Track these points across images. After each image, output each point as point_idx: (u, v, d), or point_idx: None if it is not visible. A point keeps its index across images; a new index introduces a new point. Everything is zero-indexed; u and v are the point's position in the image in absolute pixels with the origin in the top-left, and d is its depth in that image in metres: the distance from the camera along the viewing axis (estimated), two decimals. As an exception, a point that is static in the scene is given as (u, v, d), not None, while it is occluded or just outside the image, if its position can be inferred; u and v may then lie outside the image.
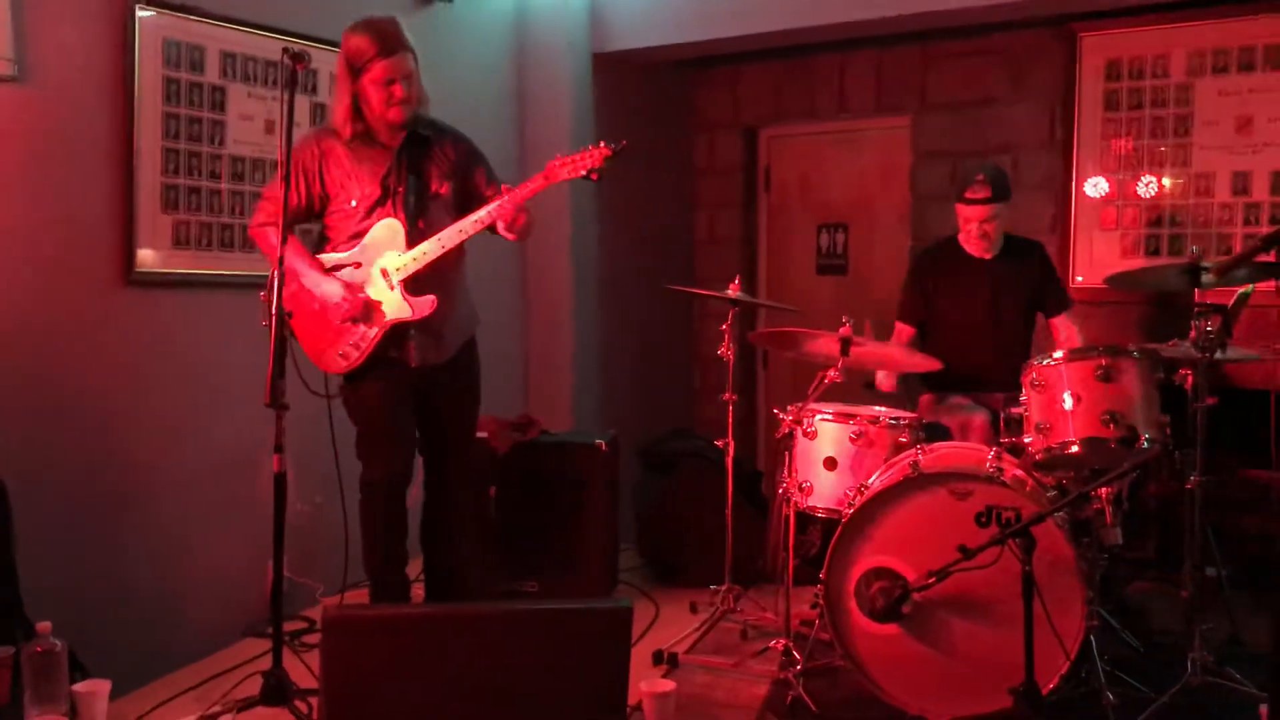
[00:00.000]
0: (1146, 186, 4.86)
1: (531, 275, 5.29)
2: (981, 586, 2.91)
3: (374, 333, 3.30)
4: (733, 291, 3.85)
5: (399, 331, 3.32)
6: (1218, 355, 3.15)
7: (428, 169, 3.37)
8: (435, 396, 3.45)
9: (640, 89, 5.63)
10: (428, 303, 3.28)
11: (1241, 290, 3.55)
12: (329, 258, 3.35)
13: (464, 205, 3.40)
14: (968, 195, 3.94)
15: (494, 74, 5.13)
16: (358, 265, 3.32)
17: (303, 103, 4.07)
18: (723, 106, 5.98)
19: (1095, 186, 4.96)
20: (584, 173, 3.23)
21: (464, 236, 3.28)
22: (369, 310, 3.29)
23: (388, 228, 3.30)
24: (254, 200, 3.73)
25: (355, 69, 3.23)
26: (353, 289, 3.27)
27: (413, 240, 3.29)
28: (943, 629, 3.05)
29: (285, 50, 2.94)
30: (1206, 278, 2.99)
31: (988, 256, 4.03)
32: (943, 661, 3.05)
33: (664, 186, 5.90)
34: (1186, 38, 4.74)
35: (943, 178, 5.24)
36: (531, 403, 5.18)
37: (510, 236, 3.36)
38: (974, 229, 3.97)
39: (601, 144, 3.23)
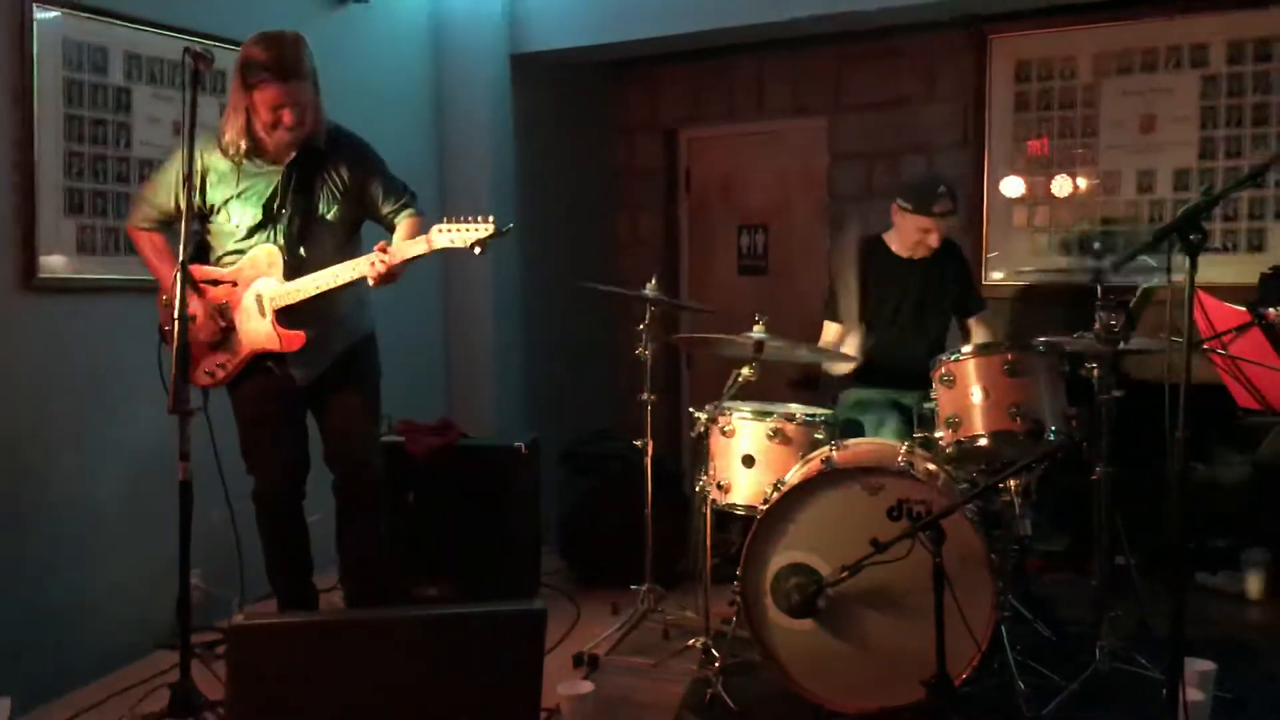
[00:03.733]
0: (1056, 185, 4.97)
1: (452, 278, 5.24)
2: (895, 580, 2.94)
3: (238, 360, 3.23)
4: (647, 291, 3.85)
5: (271, 354, 3.25)
6: (1121, 348, 3.22)
7: (317, 190, 3.25)
8: (321, 398, 3.36)
9: (559, 90, 5.62)
10: (296, 339, 3.19)
11: (1144, 285, 3.64)
12: (208, 270, 3.26)
13: (356, 227, 3.34)
14: (936, 210, 3.92)
15: (410, 75, 5.08)
16: (234, 284, 3.22)
17: (212, 104, 3.98)
18: (643, 108, 5.99)
19: (1007, 186, 5.05)
20: (467, 245, 3.08)
21: (339, 283, 3.16)
22: (228, 336, 3.22)
23: (267, 254, 3.20)
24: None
25: (248, 83, 3.10)
26: (222, 311, 3.20)
27: (291, 269, 3.19)
28: (858, 623, 3.08)
29: (187, 50, 2.86)
30: (1107, 273, 3.06)
31: (915, 258, 4.06)
32: (858, 655, 3.09)
33: (585, 187, 5.90)
34: (1092, 40, 4.86)
35: (860, 178, 5.31)
36: (453, 406, 5.14)
37: (374, 284, 3.20)
38: (926, 238, 3.97)
39: (491, 220, 3.09)
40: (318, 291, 3.17)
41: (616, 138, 6.08)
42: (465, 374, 5.23)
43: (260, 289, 3.20)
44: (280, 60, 3.07)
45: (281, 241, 3.21)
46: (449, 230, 3.08)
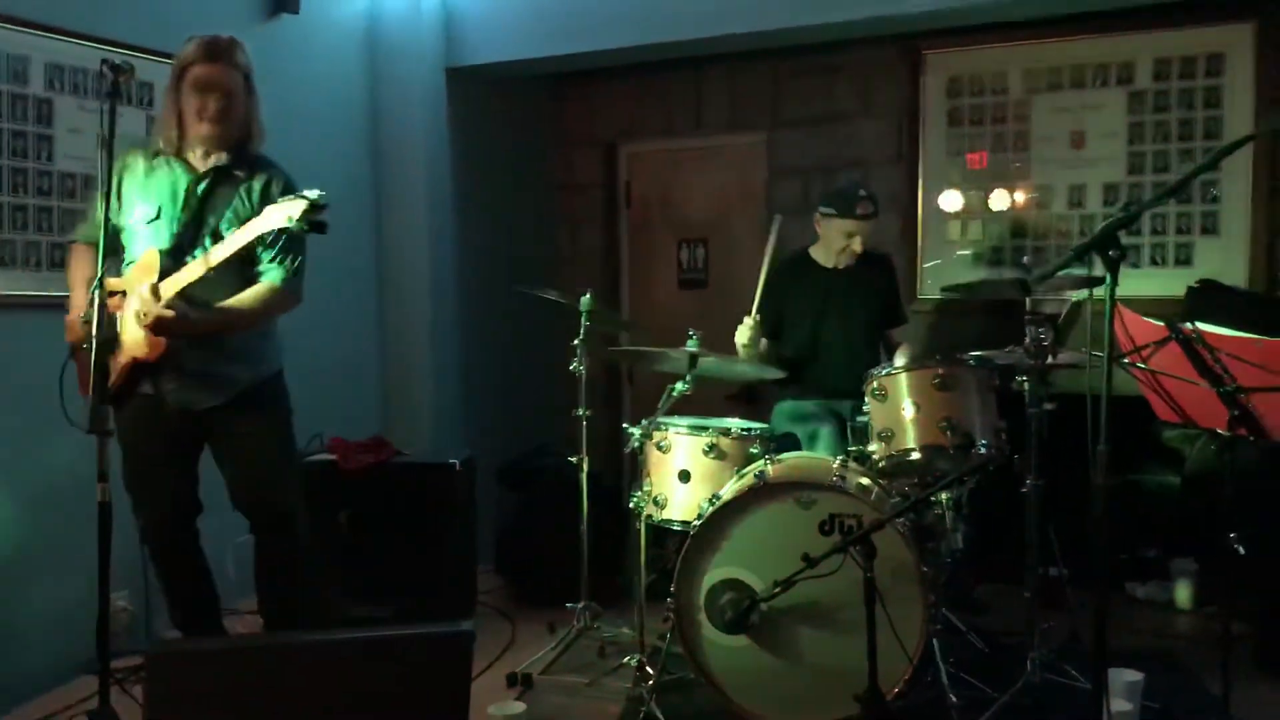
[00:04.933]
0: (988, 200, 5.03)
1: (388, 293, 5.19)
2: (828, 595, 2.95)
3: (118, 370, 3.07)
4: (582, 304, 3.84)
5: (151, 370, 3.10)
6: (1050, 362, 3.26)
7: (222, 206, 3.12)
8: (214, 441, 3.23)
9: (498, 104, 5.60)
10: (156, 345, 3.02)
11: (1072, 299, 3.69)
12: (112, 282, 3.10)
13: (247, 258, 3.12)
14: (859, 211, 3.96)
15: (345, 87, 5.03)
16: (123, 294, 3.10)
17: (138, 116, 3.92)
18: (582, 122, 5.98)
19: (944, 200, 5.11)
20: (284, 222, 2.87)
21: (193, 277, 2.98)
22: (119, 347, 3.08)
23: (147, 257, 3.08)
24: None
25: (178, 74, 3.07)
26: (113, 322, 3.03)
27: (166, 274, 3.03)
28: (791, 638, 3.08)
29: (105, 61, 2.78)
30: (1033, 287, 3.10)
31: (840, 268, 4.09)
32: (792, 671, 3.08)
33: (524, 201, 5.87)
34: (1023, 56, 4.94)
35: (797, 193, 5.33)
36: (388, 423, 5.07)
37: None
38: (851, 243, 3.99)
39: (307, 195, 2.88)
40: (178, 287, 2.99)
41: (556, 152, 6.06)
42: (400, 390, 5.17)
43: (140, 292, 3.05)
44: (211, 46, 3.06)
45: (166, 245, 3.09)
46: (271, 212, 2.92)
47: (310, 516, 4.00)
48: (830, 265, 4.09)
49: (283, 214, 2.86)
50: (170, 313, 2.98)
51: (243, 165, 3.17)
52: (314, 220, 2.86)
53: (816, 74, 5.32)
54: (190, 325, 3.03)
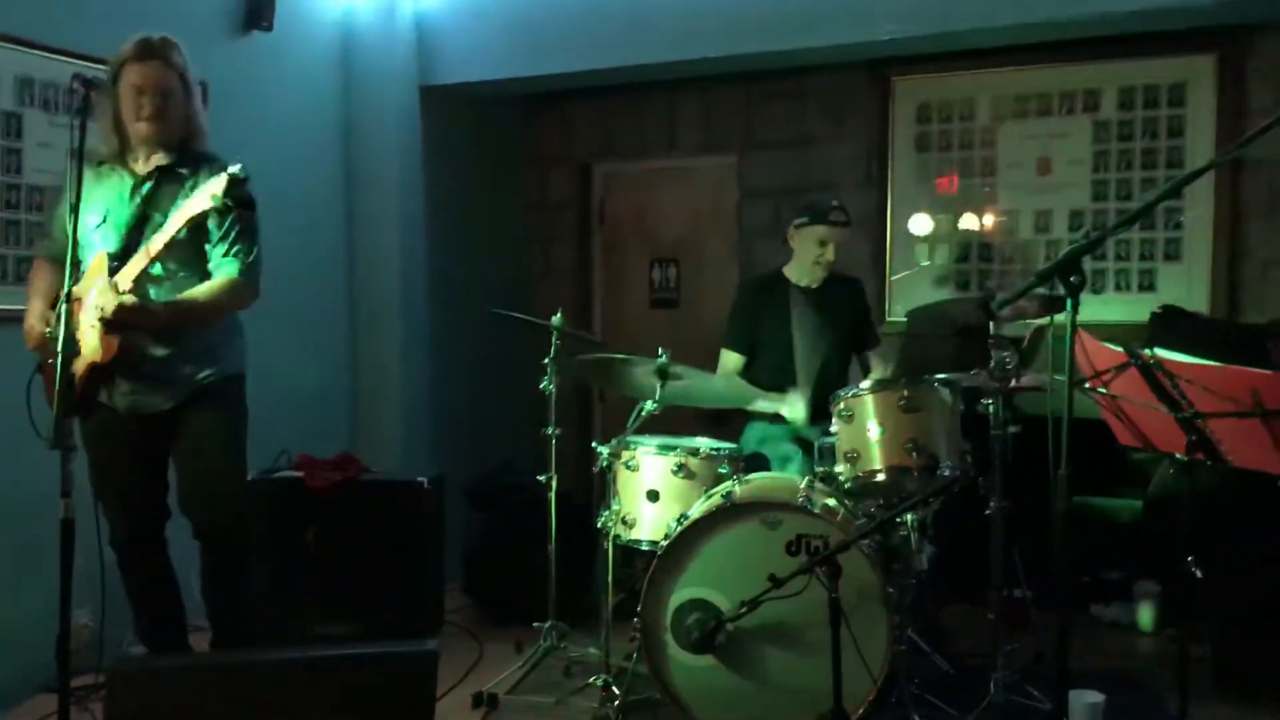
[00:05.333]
0: (957, 224, 5.09)
1: (360, 310, 5.18)
2: (793, 615, 2.96)
3: (79, 378, 2.99)
4: (554, 322, 3.85)
5: (105, 375, 3.05)
6: (1013, 385, 3.30)
7: (166, 207, 3.04)
8: (165, 444, 3.18)
9: (472, 123, 5.61)
10: (109, 346, 2.97)
11: (1037, 322, 3.73)
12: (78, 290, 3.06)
13: (198, 252, 3.11)
14: (832, 218, 3.97)
15: (318, 104, 5.03)
16: (80, 301, 3.03)
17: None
18: (555, 142, 6.01)
19: (913, 223, 5.17)
20: (210, 201, 2.81)
21: (138, 269, 2.94)
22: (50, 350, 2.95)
23: (96, 261, 3.04)
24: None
25: (113, 76, 3.04)
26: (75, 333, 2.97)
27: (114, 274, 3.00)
28: (757, 658, 3.09)
29: (76, 76, 2.77)
30: (996, 311, 3.13)
31: (814, 287, 4.12)
32: (757, 691, 3.09)
33: (498, 220, 5.88)
34: (991, 84, 5.01)
35: (768, 214, 5.38)
36: (357, 440, 5.05)
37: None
38: (825, 252, 4.00)
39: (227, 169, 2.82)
40: (129, 278, 2.95)
41: (530, 171, 6.08)
42: (370, 406, 5.16)
43: (98, 286, 3.01)
44: (145, 44, 3.04)
45: (115, 247, 3.05)
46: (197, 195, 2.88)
47: (277, 533, 4.02)
48: (804, 283, 4.10)
49: (206, 194, 2.81)
50: (131, 298, 2.93)
51: (186, 163, 3.13)
52: (238, 195, 2.80)
53: (788, 98, 5.37)
54: (151, 315, 2.99)
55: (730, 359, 4.15)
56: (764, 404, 3.94)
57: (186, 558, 3.33)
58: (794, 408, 3.93)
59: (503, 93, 5.54)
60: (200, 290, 3.09)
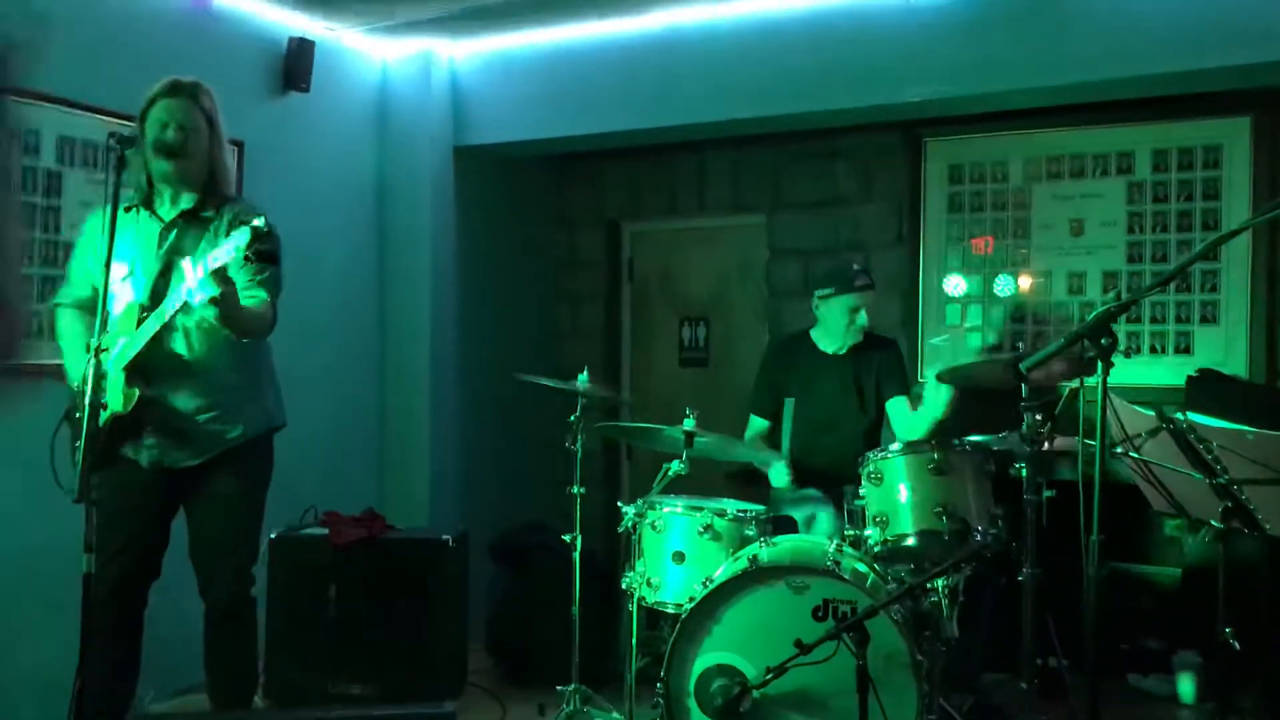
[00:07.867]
0: (989, 285, 5.06)
1: (389, 366, 5.21)
2: (820, 682, 2.91)
3: (104, 431, 2.92)
4: (578, 383, 3.84)
5: (132, 428, 3.05)
6: (1045, 449, 3.23)
7: (191, 251, 3.02)
8: (180, 499, 3.17)
9: (503, 182, 5.67)
10: (132, 397, 2.97)
11: (1067, 386, 3.66)
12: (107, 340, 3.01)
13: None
14: (857, 284, 3.94)
15: (353, 164, 5.10)
16: (103, 350, 2.92)
17: (145, 188, 3.97)
18: (586, 201, 6.05)
19: (947, 284, 5.14)
20: (232, 254, 2.74)
21: (156, 327, 2.95)
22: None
23: (127, 310, 3.03)
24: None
25: (142, 114, 3.07)
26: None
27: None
28: (783, 727, 3.02)
29: (112, 134, 2.81)
30: (1027, 372, 3.08)
31: (843, 352, 4.07)
32: (783, 760, 3.02)
33: (527, 278, 5.92)
34: (1023, 145, 5.00)
35: (797, 274, 5.36)
36: (384, 497, 5.05)
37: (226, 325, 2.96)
38: (855, 317, 3.95)
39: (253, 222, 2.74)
40: (149, 334, 2.95)
41: (559, 229, 6.12)
42: (399, 463, 5.17)
43: (119, 350, 3.01)
44: (173, 83, 3.07)
45: (144, 298, 3.04)
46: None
47: (298, 591, 4.00)
48: (833, 350, 4.05)
49: (229, 247, 2.76)
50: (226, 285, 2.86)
51: (210, 205, 3.13)
52: (260, 250, 2.76)
53: (818, 158, 5.38)
54: (236, 298, 2.92)
55: (755, 423, 4.12)
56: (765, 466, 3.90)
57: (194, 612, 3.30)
58: (777, 473, 3.87)
59: (534, 153, 5.60)
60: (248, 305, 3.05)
